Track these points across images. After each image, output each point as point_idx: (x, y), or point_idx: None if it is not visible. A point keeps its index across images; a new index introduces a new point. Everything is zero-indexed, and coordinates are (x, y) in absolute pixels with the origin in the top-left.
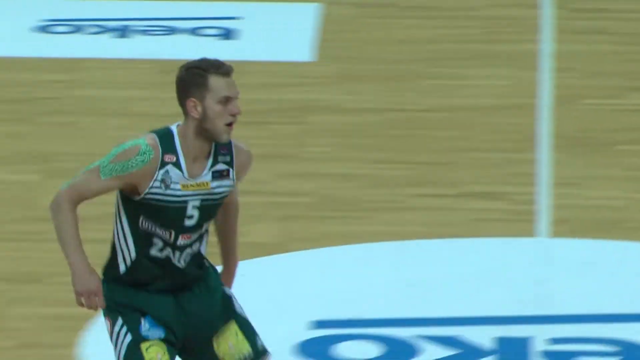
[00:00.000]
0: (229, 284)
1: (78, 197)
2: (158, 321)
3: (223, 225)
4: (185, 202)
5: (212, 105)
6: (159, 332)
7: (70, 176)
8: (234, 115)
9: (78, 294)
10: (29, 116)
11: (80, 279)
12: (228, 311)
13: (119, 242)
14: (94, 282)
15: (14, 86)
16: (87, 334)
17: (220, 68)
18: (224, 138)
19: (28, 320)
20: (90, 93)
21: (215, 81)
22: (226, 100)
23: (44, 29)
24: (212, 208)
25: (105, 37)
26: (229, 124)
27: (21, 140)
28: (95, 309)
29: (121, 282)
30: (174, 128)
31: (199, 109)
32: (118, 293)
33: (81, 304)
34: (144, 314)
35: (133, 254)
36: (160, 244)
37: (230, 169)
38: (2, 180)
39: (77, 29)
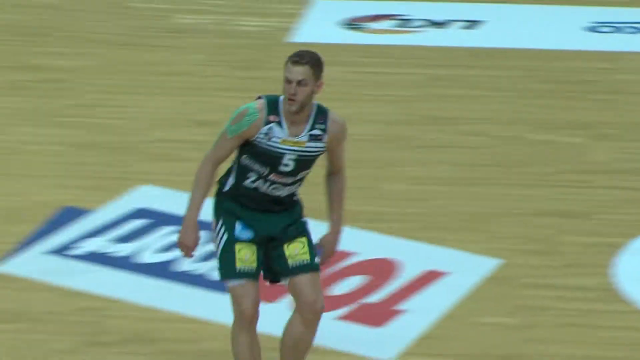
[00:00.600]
0: (333, 243)
1: (217, 158)
2: (248, 226)
3: (331, 192)
4: (283, 153)
5: (284, 83)
6: (248, 235)
7: (611, 140)
8: (291, 95)
9: (178, 243)
10: (579, 94)
11: (183, 233)
12: (302, 230)
13: (229, 169)
14: (192, 239)
15: (568, 71)
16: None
17: (292, 57)
18: (286, 108)
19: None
20: (627, 77)
21: (286, 66)
22: (287, 81)
23: (591, 29)
24: (306, 162)
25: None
26: (290, 99)
27: (572, 111)
28: (187, 257)
29: (225, 195)
30: (282, 97)
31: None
32: (223, 203)
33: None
34: (238, 220)
35: (232, 181)
36: (253, 177)
37: (324, 135)
38: (554, 141)
39: (617, 30)
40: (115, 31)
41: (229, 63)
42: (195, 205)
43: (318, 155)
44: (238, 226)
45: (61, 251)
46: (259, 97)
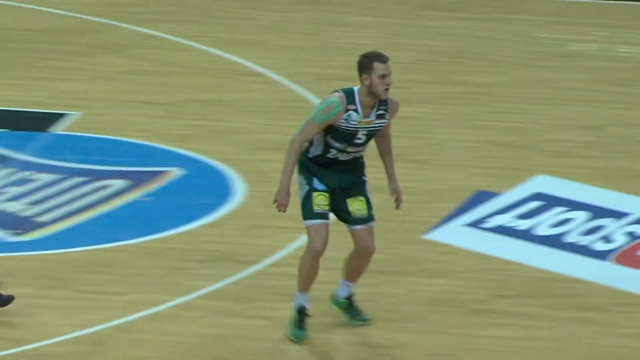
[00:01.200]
0: (398, 189)
1: (304, 139)
2: (323, 182)
3: (383, 149)
4: (357, 130)
5: (375, 79)
6: (323, 186)
7: None
8: (387, 84)
9: (275, 201)
10: None
11: (279, 194)
12: (362, 190)
13: (313, 141)
14: (285, 199)
15: None
16: None
17: (380, 58)
18: (382, 97)
19: None
20: None
21: (377, 65)
22: (382, 76)
23: None
24: (372, 134)
25: None
26: (386, 89)
27: None
28: (282, 212)
29: (309, 160)
30: (355, 89)
31: (368, 81)
32: (307, 165)
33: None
34: (315, 176)
35: (318, 152)
36: (334, 151)
37: (386, 112)
38: None
39: None
40: (520, 55)
41: (608, 81)
42: (287, 174)
43: (382, 128)
44: (315, 180)
45: (475, 224)
46: (336, 91)
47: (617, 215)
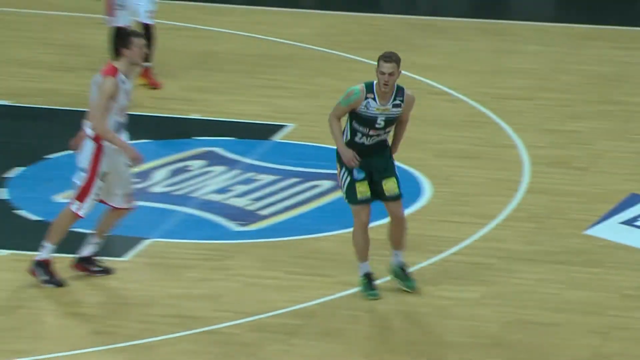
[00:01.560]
0: (395, 150)
1: (338, 116)
2: (361, 170)
3: (398, 129)
4: (376, 116)
5: (378, 74)
6: (362, 175)
7: None
8: (385, 80)
9: (345, 162)
10: None
11: (345, 153)
12: (392, 171)
13: (345, 130)
14: (351, 153)
15: None
16: None
17: (384, 57)
18: (382, 89)
19: None
20: None
21: (380, 63)
22: (381, 73)
23: None
24: (391, 120)
25: None
26: (385, 84)
27: None
28: (352, 166)
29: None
30: (374, 82)
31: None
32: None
33: (349, 165)
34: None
35: (348, 137)
36: (360, 135)
37: (402, 103)
38: None
39: None
40: None
41: None
42: (339, 140)
43: (398, 115)
44: (354, 171)
45: (629, 222)
46: (361, 83)
47: None
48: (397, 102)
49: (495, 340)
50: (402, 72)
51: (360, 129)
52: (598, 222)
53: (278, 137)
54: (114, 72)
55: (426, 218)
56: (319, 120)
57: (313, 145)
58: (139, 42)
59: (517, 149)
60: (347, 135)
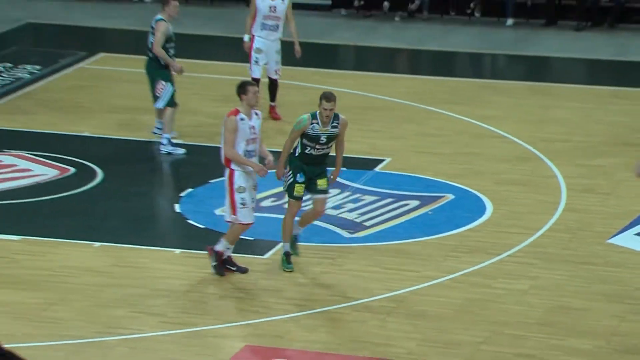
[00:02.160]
0: (335, 175)
1: (290, 140)
2: (303, 174)
3: (338, 148)
4: (320, 135)
5: (321, 109)
6: (302, 179)
7: None
8: (326, 115)
9: (276, 174)
10: None
11: (278, 169)
12: (326, 174)
13: (297, 144)
14: (281, 170)
15: None
16: None
17: (325, 97)
18: (323, 120)
19: None
20: None
21: (322, 101)
22: (324, 109)
23: None
24: (332, 137)
25: None
26: (326, 116)
27: None
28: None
29: (295, 157)
30: (317, 111)
31: (320, 108)
32: (293, 161)
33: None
34: (299, 171)
35: (299, 150)
36: (309, 148)
37: (338, 125)
38: None
39: None
40: None
41: None
42: (283, 159)
43: (336, 134)
44: (298, 175)
45: None
46: (308, 113)
47: None
48: (335, 124)
49: (540, 320)
50: (471, 121)
51: (309, 144)
52: (617, 234)
53: (377, 168)
54: (235, 112)
55: (488, 229)
56: (408, 156)
57: (403, 174)
58: (253, 89)
59: (556, 178)
60: (299, 149)
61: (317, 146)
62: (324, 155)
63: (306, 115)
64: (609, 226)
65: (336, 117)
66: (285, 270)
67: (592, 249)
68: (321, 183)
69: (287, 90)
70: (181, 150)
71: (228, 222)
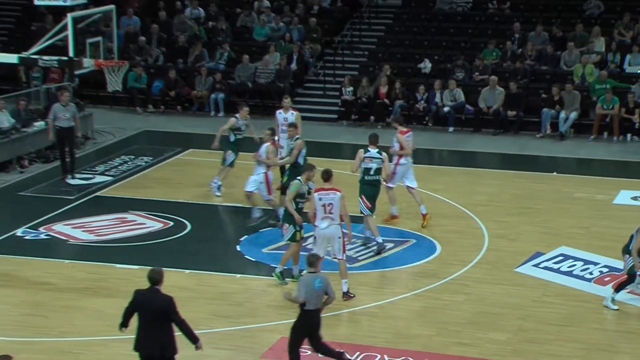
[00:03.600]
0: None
1: (290, 199)
2: (298, 224)
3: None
4: (304, 192)
5: (309, 174)
6: (298, 227)
7: None
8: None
9: (296, 221)
10: None
11: (297, 218)
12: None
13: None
14: (299, 218)
15: None
16: None
17: (309, 167)
18: (307, 182)
19: None
20: None
21: (307, 171)
22: (308, 177)
23: None
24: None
25: None
26: (308, 180)
27: None
28: (300, 223)
29: (295, 210)
30: (301, 178)
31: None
32: (290, 215)
33: (299, 223)
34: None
35: (294, 206)
36: (300, 203)
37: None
38: None
39: None
40: None
41: None
42: (294, 211)
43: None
44: (298, 226)
45: (536, 265)
46: (298, 179)
47: None
48: (310, 184)
49: (471, 320)
50: (426, 192)
51: (301, 200)
52: (520, 265)
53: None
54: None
55: (438, 262)
56: (386, 214)
57: (383, 227)
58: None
59: (481, 229)
60: (294, 205)
61: (304, 199)
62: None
63: (297, 181)
64: (515, 260)
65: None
66: (281, 284)
67: (504, 275)
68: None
69: None
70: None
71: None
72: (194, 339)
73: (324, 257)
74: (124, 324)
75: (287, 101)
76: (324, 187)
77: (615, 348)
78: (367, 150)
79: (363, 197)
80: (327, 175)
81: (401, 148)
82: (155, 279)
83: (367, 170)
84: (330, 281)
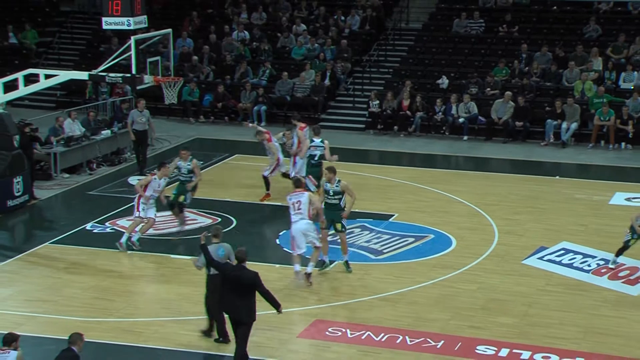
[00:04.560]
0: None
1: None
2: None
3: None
4: (328, 190)
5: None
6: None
7: None
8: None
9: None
10: None
11: (325, 215)
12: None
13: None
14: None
15: None
16: None
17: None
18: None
19: None
20: None
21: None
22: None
23: None
24: (337, 192)
25: None
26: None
27: None
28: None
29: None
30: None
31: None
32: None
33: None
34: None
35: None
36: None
37: (339, 185)
38: None
39: None
40: None
41: None
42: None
43: (340, 190)
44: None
45: (541, 258)
46: (310, 190)
47: None
48: (337, 184)
49: (482, 306)
50: (444, 193)
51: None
52: (527, 258)
53: (391, 220)
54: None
55: (453, 255)
56: (408, 213)
57: (405, 223)
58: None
59: (492, 226)
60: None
61: (327, 197)
62: (334, 205)
63: (314, 188)
64: (521, 254)
65: (339, 180)
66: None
67: (513, 267)
68: (336, 226)
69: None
70: None
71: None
72: (276, 305)
73: (304, 249)
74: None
75: (316, 129)
76: (295, 190)
77: (610, 331)
78: (312, 140)
79: (310, 177)
80: (298, 183)
81: (299, 142)
82: (242, 258)
83: (312, 157)
84: (232, 251)
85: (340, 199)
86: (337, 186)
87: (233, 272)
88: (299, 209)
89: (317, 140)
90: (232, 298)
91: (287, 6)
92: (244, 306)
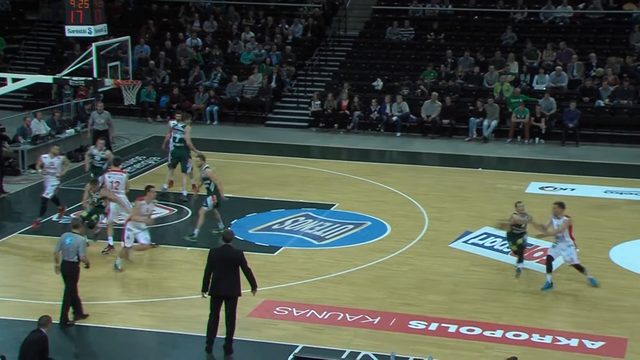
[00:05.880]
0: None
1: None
2: None
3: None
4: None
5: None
6: None
7: None
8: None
9: None
10: None
11: None
12: None
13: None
14: None
15: None
16: None
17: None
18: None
19: None
20: None
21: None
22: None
23: None
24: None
25: None
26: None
27: None
28: None
29: None
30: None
31: None
32: None
33: None
34: None
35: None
36: None
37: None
38: None
39: None
40: None
41: None
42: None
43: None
44: None
45: (466, 242)
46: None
47: None
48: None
49: (415, 286)
50: (379, 184)
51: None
52: (453, 242)
53: (332, 209)
54: None
55: (388, 240)
56: (347, 202)
57: (344, 212)
58: None
59: (422, 214)
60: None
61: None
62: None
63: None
64: (449, 238)
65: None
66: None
67: (441, 249)
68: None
69: (283, 169)
70: None
71: None
72: (254, 284)
73: (113, 222)
74: (205, 288)
75: (178, 116)
76: (114, 169)
77: (527, 305)
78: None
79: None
80: (117, 162)
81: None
82: (227, 238)
83: (174, 139)
84: (83, 243)
85: (209, 184)
86: (202, 173)
87: (219, 252)
88: (116, 188)
89: (176, 124)
90: (219, 275)
91: (236, 15)
92: (230, 281)
